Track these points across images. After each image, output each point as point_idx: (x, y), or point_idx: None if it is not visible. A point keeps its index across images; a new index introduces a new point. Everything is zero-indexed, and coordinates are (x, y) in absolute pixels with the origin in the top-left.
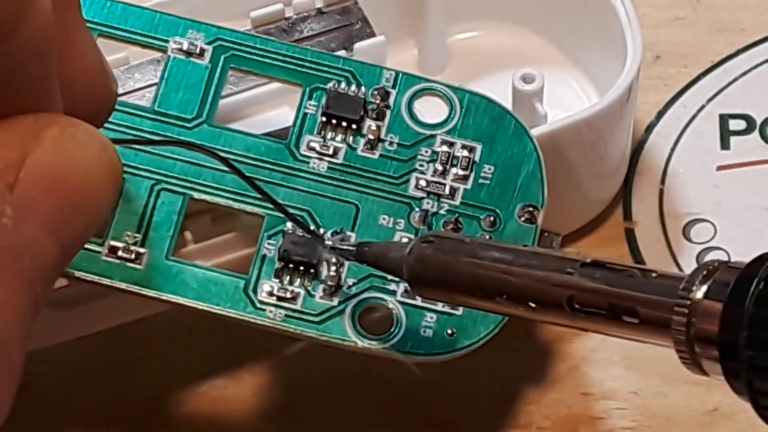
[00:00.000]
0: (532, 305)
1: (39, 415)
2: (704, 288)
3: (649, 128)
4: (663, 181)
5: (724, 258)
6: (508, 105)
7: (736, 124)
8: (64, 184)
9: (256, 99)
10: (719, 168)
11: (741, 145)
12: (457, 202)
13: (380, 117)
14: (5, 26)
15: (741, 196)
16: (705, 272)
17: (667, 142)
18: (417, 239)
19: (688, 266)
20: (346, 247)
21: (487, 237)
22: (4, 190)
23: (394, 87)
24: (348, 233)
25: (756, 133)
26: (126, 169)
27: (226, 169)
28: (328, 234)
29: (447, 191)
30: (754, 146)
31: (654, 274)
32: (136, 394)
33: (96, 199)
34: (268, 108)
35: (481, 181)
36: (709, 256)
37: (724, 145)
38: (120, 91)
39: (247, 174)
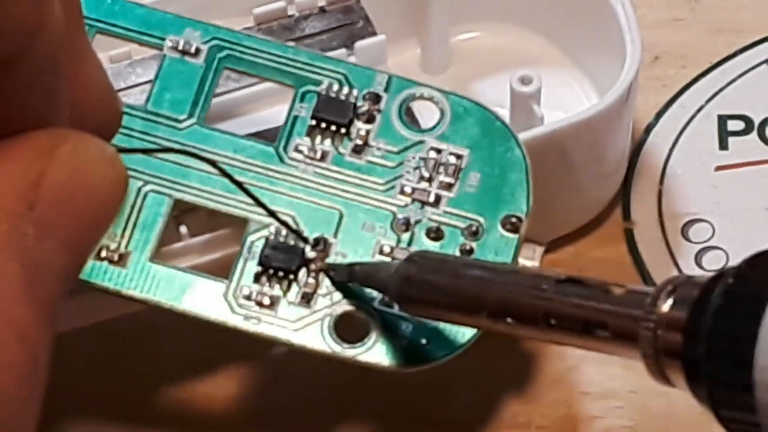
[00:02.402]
0: (510, 321)
1: None
2: (670, 301)
3: (648, 129)
4: (662, 182)
5: (723, 259)
6: (507, 105)
7: (734, 125)
8: (80, 200)
9: (255, 96)
10: (718, 168)
11: (739, 146)
12: (441, 210)
13: (370, 121)
14: (26, 36)
15: (739, 197)
16: (672, 286)
17: (665, 142)
18: (402, 260)
19: (687, 266)
20: (336, 269)
21: (468, 247)
22: (25, 210)
23: (386, 91)
24: (330, 240)
25: (754, 134)
26: None
27: (214, 171)
28: (310, 240)
29: (432, 199)
30: (752, 147)
31: (623, 289)
32: (134, 392)
33: (106, 214)
34: (267, 105)
35: (466, 189)
36: (708, 256)
37: (723, 145)
38: (122, 85)
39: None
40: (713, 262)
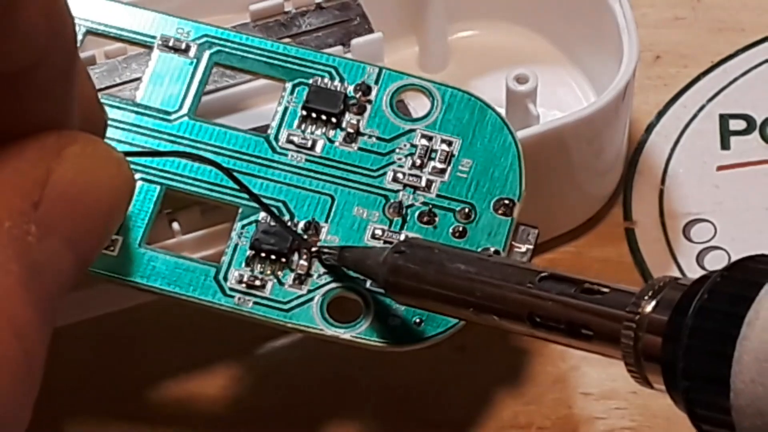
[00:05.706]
0: (496, 318)
1: None
2: (653, 303)
3: (649, 128)
4: (663, 181)
5: (725, 259)
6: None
7: (736, 124)
8: (85, 201)
9: (254, 92)
10: (719, 168)
11: (741, 145)
12: (433, 195)
13: (361, 111)
14: (40, 48)
15: (741, 197)
16: (655, 288)
17: (667, 142)
18: (390, 249)
19: (689, 266)
20: (329, 252)
21: (461, 228)
22: (29, 208)
23: (376, 83)
24: (321, 224)
25: (756, 133)
26: None
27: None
28: (301, 224)
29: (423, 184)
30: (754, 146)
31: (607, 289)
32: (126, 390)
33: (112, 215)
34: (265, 101)
35: (458, 174)
36: (709, 256)
37: (724, 145)
38: (117, 81)
39: (225, 166)
40: (715, 263)
